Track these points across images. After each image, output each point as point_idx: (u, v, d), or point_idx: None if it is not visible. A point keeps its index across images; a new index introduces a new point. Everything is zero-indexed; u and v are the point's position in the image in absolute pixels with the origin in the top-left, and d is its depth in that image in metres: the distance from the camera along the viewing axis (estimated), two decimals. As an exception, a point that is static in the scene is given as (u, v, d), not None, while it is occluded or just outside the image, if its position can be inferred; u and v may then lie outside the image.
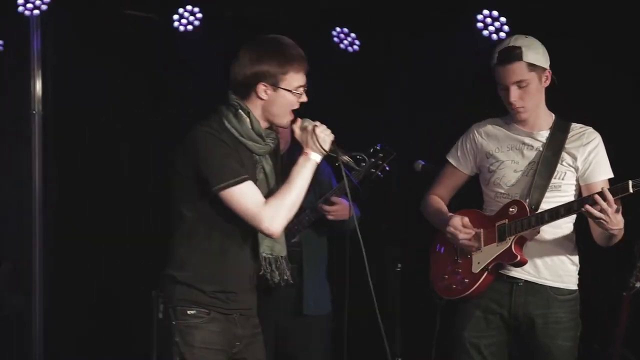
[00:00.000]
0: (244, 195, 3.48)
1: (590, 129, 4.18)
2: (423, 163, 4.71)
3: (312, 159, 3.58)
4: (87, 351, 6.28)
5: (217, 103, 3.62)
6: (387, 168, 4.73)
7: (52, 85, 6.25)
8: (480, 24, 6.02)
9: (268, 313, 4.84)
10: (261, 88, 3.54)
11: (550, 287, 4.12)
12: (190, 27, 6.34)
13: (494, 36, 5.97)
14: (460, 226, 4.13)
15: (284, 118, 3.60)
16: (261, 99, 3.56)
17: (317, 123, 3.60)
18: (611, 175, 4.12)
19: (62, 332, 6.29)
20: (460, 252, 4.20)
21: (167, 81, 6.32)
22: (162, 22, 6.38)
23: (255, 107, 3.58)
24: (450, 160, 4.35)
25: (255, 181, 3.57)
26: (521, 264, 4.08)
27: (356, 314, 4.99)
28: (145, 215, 6.37)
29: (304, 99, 3.60)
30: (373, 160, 4.71)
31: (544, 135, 4.17)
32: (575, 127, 4.18)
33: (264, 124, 3.61)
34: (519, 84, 4.07)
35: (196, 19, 6.34)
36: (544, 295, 4.11)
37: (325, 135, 3.57)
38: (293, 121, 3.62)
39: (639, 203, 3.89)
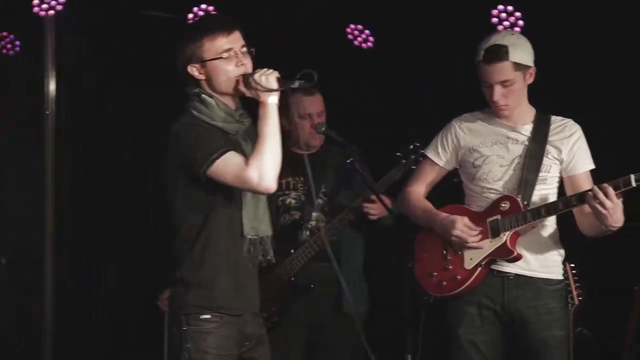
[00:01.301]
0: (228, 164, 3.40)
1: (571, 121, 4.19)
2: None
3: (269, 102, 3.44)
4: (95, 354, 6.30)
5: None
6: None
7: (66, 86, 6.27)
8: (495, 19, 5.97)
9: (302, 314, 4.90)
10: (193, 70, 3.50)
11: (540, 279, 4.12)
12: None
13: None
14: (467, 228, 4.12)
15: (228, 85, 3.51)
16: (201, 79, 3.51)
17: (256, 70, 3.47)
18: (593, 166, 4.15)
19: (72, 335, 6.32)
20: (450, 248, 4.19)
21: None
22: (177, 21, 6.38)
23: (206, 89, 3.53)
24: (430, 155, 4.33)
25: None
26: (516, 259, 4.08)
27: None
28: (160, 215, 6.36)
29: (243, 61, 3.50)
30: (413, 157, 4.69)
31: (527, 129, 4.17)
32: (556, 120, 4.19)
33: (229, 102, 3.54)
34: (504, 83, 4.08)
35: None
36: (534, 287, 4.11)
37: (266, 76, 3.43)
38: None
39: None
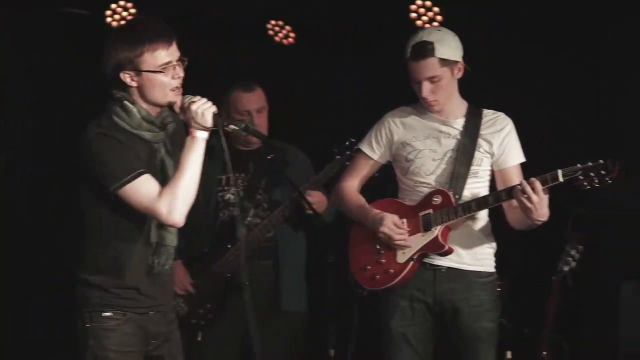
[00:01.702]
0: (139, 191, 3.39)
1: (502, 115, 4.25)
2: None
3: (198, 137, 3.43)
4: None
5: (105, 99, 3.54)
6: None
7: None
8: (413, 14, 6.03)
9: (239, 312, 4.87)
10: (125, 76, 3.45)
11: (471, 271, 4.18)
12: (123, 23, 6.27)
13: (428, 26, 5.97)
14: (395, 226, 4.15)
15: (164, 98, 3.48)
16: (132, 86, 3.47)
17: (196, 98, 3.46)
18: (523, 160, 4.21)
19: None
20: (383, 242, 4.22)
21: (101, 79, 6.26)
22: (94, 18, 6.32)
23: (135, 95, 3.48)
24: (364, 149, 4.36)
25: (159, 173, 3.50)
26: (448, 253, 4.13)
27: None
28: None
29: (179, 74, 3.47)
30: (348, 153, 4.72)
31: (459, 122, 4.22)
32: (488, 114, 4.25)
33: (153, 110, 3.51)
34: (431, 79, 4.12)
35: (129, 14, 6.29)
36: (465, 279, 4.17)
37: (203, 110, 3.42)
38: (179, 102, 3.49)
39: (567, 188, 3.93)
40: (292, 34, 6.45)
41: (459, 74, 4.18)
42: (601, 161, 3.81)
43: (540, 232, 4.15)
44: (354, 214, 4.35)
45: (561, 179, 3.86)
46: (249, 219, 4.96)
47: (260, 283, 4.88)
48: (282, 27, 6.46)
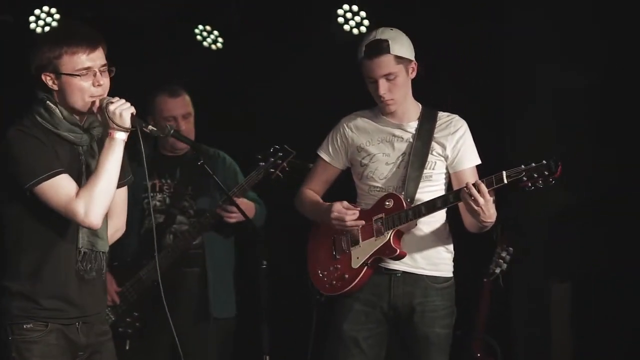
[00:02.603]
0: (57, 190, 3.34)
1: (456, 117, 4.26)
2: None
3: (117, 138, 3.39)
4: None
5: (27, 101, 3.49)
6: (287, 168, 4.72)
7: None
8: (341, 19, 6.03)
9: (165, 318, 4.81)
10: (47, 78, 3.41)
11: (427, 276, 4.18)
12: (47, 29, 6.17)
13: (355, 30, 5.99)
14: (344, 209, 4.14)
15: (81, 104, 3.42)
16: (53, 89, 3.43)
17: (114, 99, 3.42)
18: (478, 162, 4.22)
19: None
20: (338, 248, 4.24)
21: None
22: (18, 24, 6.20)
23: (57, 98, 3.44)
24: (322, 155, 4.36)
25: (82, 176, 3.44)
26: (400, 257, 4.13)
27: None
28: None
29: (100, 81, 3.42)
30: (272, 159, 4.70)
31: (413, 126, 4.22)
32: (443, 116, 4.25)
33: (77, 113, 3.46)
34: (388, 76, 4.12)
35: (54, 19, 6.18)
36: (421, 284, 4.17)
37: (121, 111, 3.38)
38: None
39: (499, 191, 3.96)
40: (220, 39, 6.39)
41: (413, 74, 4.19)
42: (544, 162, 3.83)
43: (470, 234, 4.17)
44: (310, 214, 4.36)
45: (505, 181, 3.88)
46: (175, 226, 4.92)
47: (187, 290, 4.85)
48: (210, 33, 6.39)
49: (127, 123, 3.40)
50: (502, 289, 5.05)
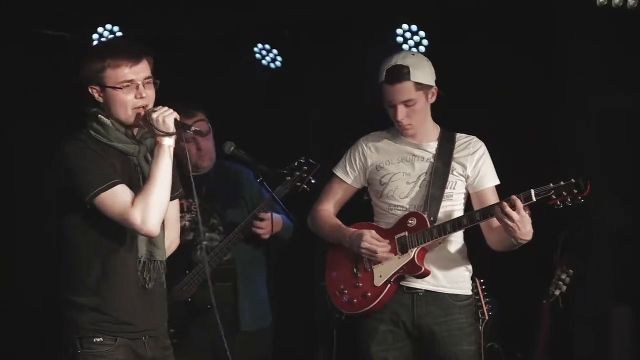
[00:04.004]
0: (114, 199, 3.39)
1: (475, 138, 4.29)
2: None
3: (164, 144, 3.45)
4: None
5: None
6: (313, 181, 4.72)
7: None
8: (399, 38, 6.04)
9: (202, 335, 4.84)
10: (93, 91, 3.47)
11: (449, 294, 4.18)
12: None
13: (414, 50, 5.99)
14: (375, 240, 4.15)
15: (125, 116, 3.48)
16: (99, 102, 3.48)
17: (157, 108, 3.47)
18: (498, 182, 4.24)
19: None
20: (359, 266, 4.24)
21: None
22: (82, 42, 6.29)
23: (106, 111, 3.49)
24: (338, 174, 4.38)
25: (139, 186, 3.47)
26: (424, 275, 4.14)
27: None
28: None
29: (143, 94, 3.47)
30: (298, 173, 4.71)
31: (432, 146, 4.24)
32: (461, 137, 4.28)
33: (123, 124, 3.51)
34: (406, 103, 4.14)
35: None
36: (443, 303, 4.18)
37: (164, 117, 3.43)
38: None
39: (554, 213, 3.95)
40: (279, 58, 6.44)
41: (432, 99, 4.22)
42: (572, 180, 3.84)
43: (530, 255, 4.15)
44: (329, 236, 4.36)
45: (534, 199, 3.88)
46: (205, 243, 4.95)
47: (219, 305, 4.86)
48: (269, 51, 6.44)
49: (171, 128, 3.45)
50: (562, 311, 5.00)
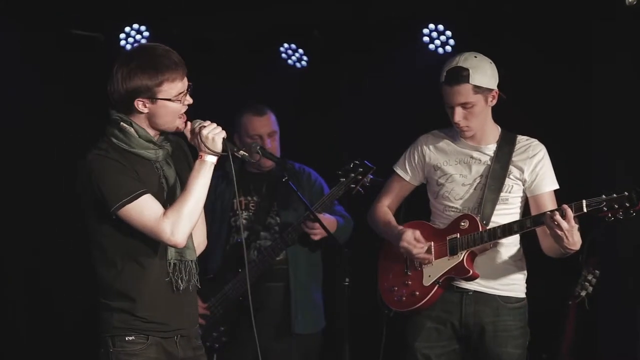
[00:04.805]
0: (142, 211, 3.41)
1: (535, 142, 4.24)
2: (372, 177, 4.73)
3: (207, 161, 3.48)
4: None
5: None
6: (368, 183, 4.74)
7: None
8: (426, 38, 6.03)
9: (251, 335, 4.85)
10: (139, 103, 3.46)
11: (500, 296, 4.18)
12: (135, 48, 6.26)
13: (440, 50, 5.98)
14: (414, 240, 4.17)
15: (172, 124, 3.51)
16: (142, 112, 3.48)
17: (206, 123, 3.50)
18: (557, 187, 4.20)
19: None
20: (410, 264, 4.25)
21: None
22: (109, 41, 6.32)
23: (140, 120, 3.49)
24: (398, 171, 4.38)
25: (163, 191, 3.51)
26: (473, 278, 4.13)
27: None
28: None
29: (189, 101, 3.51)
30: (352, 175, 4.72)
31: (491, 148, 4.22)
32: (522, 140, 4.24)
33: (152, 132, 3.53)
34: (464, 105, 4.12)
35: (143, 37, 6.30)
36: (493, 304, 4.16)
37: (214, 135, 3.47)
38: (185, 125, 3.53)
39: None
40: (305, 57, 6.44)
41: (493, 102, 4.19)
42: (625, 193, 3.80)
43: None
44: (382, 232, 4.38)
45: (585, 210, 3.86)
46: (259, 242, 4.96)
47: (271, 305, 4.88)
48: (295, 51, 6.44)
49: (219, 147, 3.48)
50: (588, 312, 4.97)
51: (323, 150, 5.98)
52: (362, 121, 6.19)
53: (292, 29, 6.37)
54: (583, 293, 5.00)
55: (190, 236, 3.54)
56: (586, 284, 5.02)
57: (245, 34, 6.33)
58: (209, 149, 3.47)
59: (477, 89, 4.10)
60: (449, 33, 5.98)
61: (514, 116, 4.37)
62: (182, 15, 6.18)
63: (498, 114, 4.30)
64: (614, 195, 3.81)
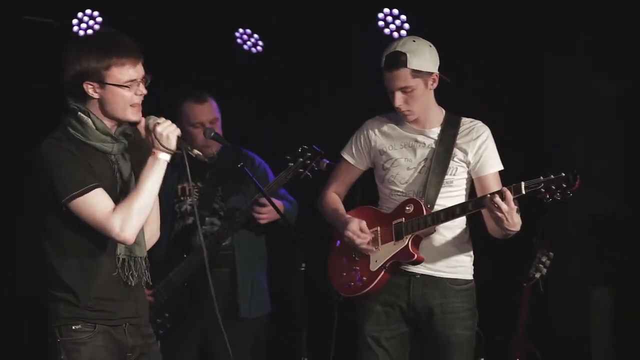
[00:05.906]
0: (92, 205, 3.36)
1: (479, 123, 4.25)
2: (328, 162, 4.73)
3: (161, 158, 3.44)
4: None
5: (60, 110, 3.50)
6: (316, 168, 4.73)
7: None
8: (381, 22, 6.03)
9: (197, 321, 4.85)
10: (88, 87, 3.41)
11: (447, 279, 4.19)
12: (90, 32, 6.22)
13: (395, 34, 5.98)
14: (358, 231, 4.17)
15: (124, 113, 3.45)
16: (93, 97, 3.43)
17: (161, 120, 3.47)
18: (501, 168, 4.20)
19: None
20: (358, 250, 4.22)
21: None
22: (62, 27, 6.26)
23: (93, 107, 3.45)
24: (345, 156, 4.38)
25: (117, 185, 3.47)
26: (418, 262, 4.13)
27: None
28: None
29: (142, 91, 3.46)
30: (301, 160, 4.71)
31: (435, 132, 4.22)
32: (465, 122, 4.24)
33: (109, 123, 3.48)
34: (404, 89, 4.12)
35: (96, 22, 6.23)
36: (440, 286, 4.17)
37: (168, 133, 3.44)
38: (139, 117, 3.49)
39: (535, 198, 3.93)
40: (260, 42, 6.42)
41: (433, 85, 4.18)
42: (562, 174, 3.81)
43: (509, 239, 4.14)
44: (330, 219, 4.39)
45: (524, 192, 3.86)
46: (205, 227, 4.94)
47: (217, 291, 4.86)
48: (250, 36, 6.42)
49: (173, 145, 3.45)
50: (542, 294, 5.01)
51: (275, 136, 5.97)
52: (318, 107, 6.19)
53: (249, 17, 6.34)
54: (537, 275, 5.04)
55: (141, 233, 3.52)
56: (540, 265, 5.06)
57: (200, 18, 6.29)
58: (163, 146, 3.43)
59: (416, 73, 4.10)
60: (403, 17, 5.98)
61: (469, 99, 4.38)
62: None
63: (451, 97, 4.30)
64: (552, 176, 3.82)
